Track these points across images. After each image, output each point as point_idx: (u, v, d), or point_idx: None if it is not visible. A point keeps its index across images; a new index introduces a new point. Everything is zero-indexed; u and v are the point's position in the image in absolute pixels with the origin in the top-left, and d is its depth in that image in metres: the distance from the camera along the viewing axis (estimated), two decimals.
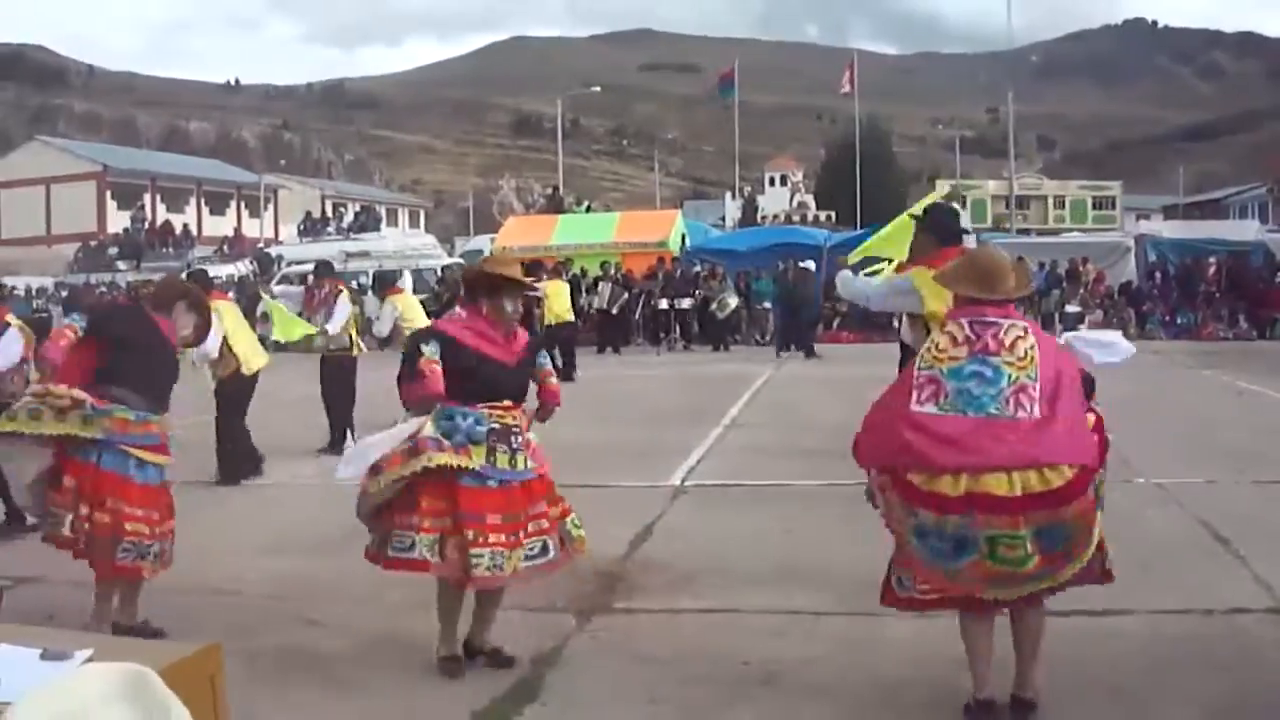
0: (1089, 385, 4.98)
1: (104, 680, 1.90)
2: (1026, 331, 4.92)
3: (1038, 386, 4.78)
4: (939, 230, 7.28)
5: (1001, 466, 4.62)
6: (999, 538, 4.62)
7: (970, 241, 8.03)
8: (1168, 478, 10.17)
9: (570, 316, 21.83)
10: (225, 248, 51.44)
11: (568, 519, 5.79)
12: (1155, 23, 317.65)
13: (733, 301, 28.55)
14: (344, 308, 13.26)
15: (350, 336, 13.42)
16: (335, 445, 12.56)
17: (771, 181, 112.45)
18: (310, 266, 16.45)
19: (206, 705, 2.54)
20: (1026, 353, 4.85)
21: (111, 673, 1.92)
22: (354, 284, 29.54)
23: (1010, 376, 4.78)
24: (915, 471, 4.70)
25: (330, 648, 6.17)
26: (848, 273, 8.13)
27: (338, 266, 29.39)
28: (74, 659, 2.46)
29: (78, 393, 6.13)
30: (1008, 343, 4.85)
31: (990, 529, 4.61)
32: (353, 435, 13.02)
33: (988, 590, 4.73)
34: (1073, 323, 26.52)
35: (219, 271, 33.67)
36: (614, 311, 28.30)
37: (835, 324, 30.31)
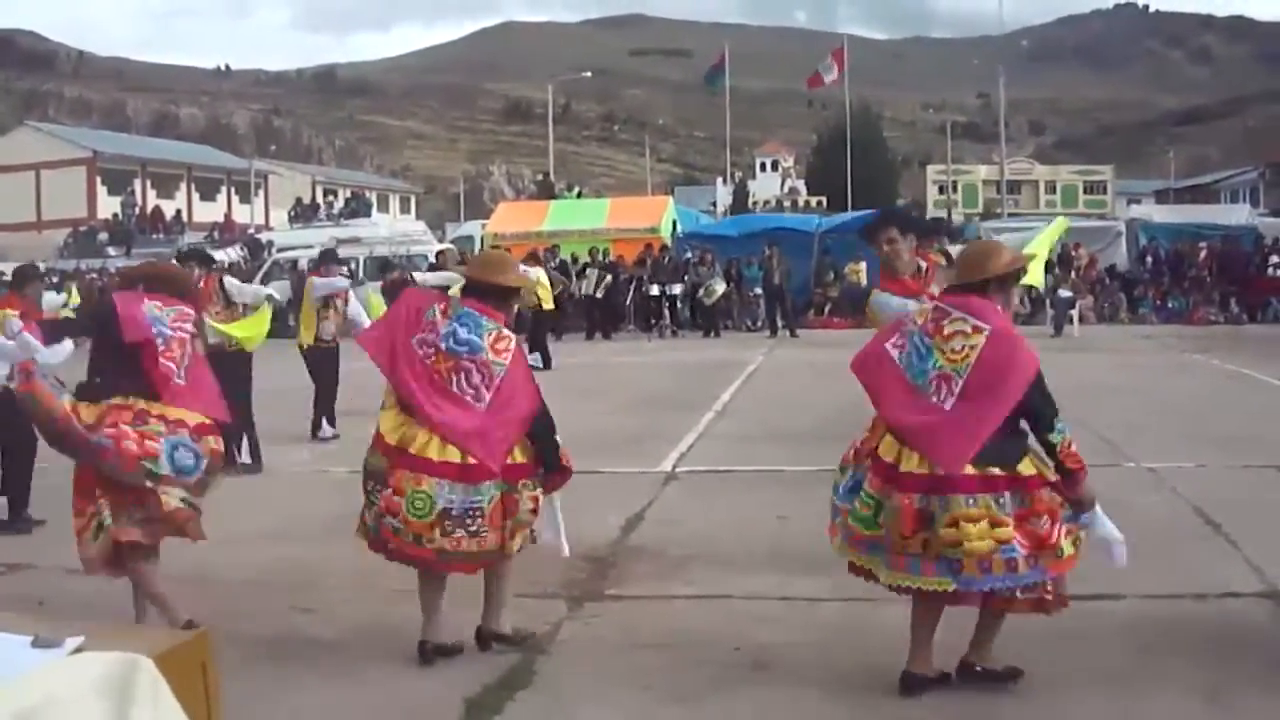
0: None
1: (86, 671, 1.89)
2: (977, 333, 5.06)
3: (961, 382, 5.03)
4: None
5: (904, 428, 5.05)
6: (868, 498, 5.10)
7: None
8: (1159, 462, 10.18)
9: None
10: (215, 234, 51.20)
11: None
12: (1146, 7, 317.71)
13: (719, 288, 28.50)
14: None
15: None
16: (314, 432, 12.96)
17: (763, 167, 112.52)
18: (300, 253, 16.35)
19: (198, 692, 2.53)
20: (964, 348, 5.07)
21: (97, 663, 1.91)
22: (344, 270, 29.46)
23: (936, 361, 5.10)
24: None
25: (321, 634, 6.17)
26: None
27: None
28: (64, 646, 2.45)
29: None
30: (946, 332, 5.12)
31: (874, 491, 5.08)
32: (330, 424, 13.10)
33: (859, 554, 5.21)
34: (1064, 307, 26.56)
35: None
36: (598, 295, 28.31)
37: (826, 310, 30.32)
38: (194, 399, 6.08)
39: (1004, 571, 4.90)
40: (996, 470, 4.89)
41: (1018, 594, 4.99)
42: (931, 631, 5.11)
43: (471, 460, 5.45)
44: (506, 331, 5.66)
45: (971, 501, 4.87)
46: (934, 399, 5.02)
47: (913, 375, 5.11)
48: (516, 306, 5.96)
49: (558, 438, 5.71)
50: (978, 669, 5.16)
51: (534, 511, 5.66)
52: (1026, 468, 4.93)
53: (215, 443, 6.10)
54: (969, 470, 4.88)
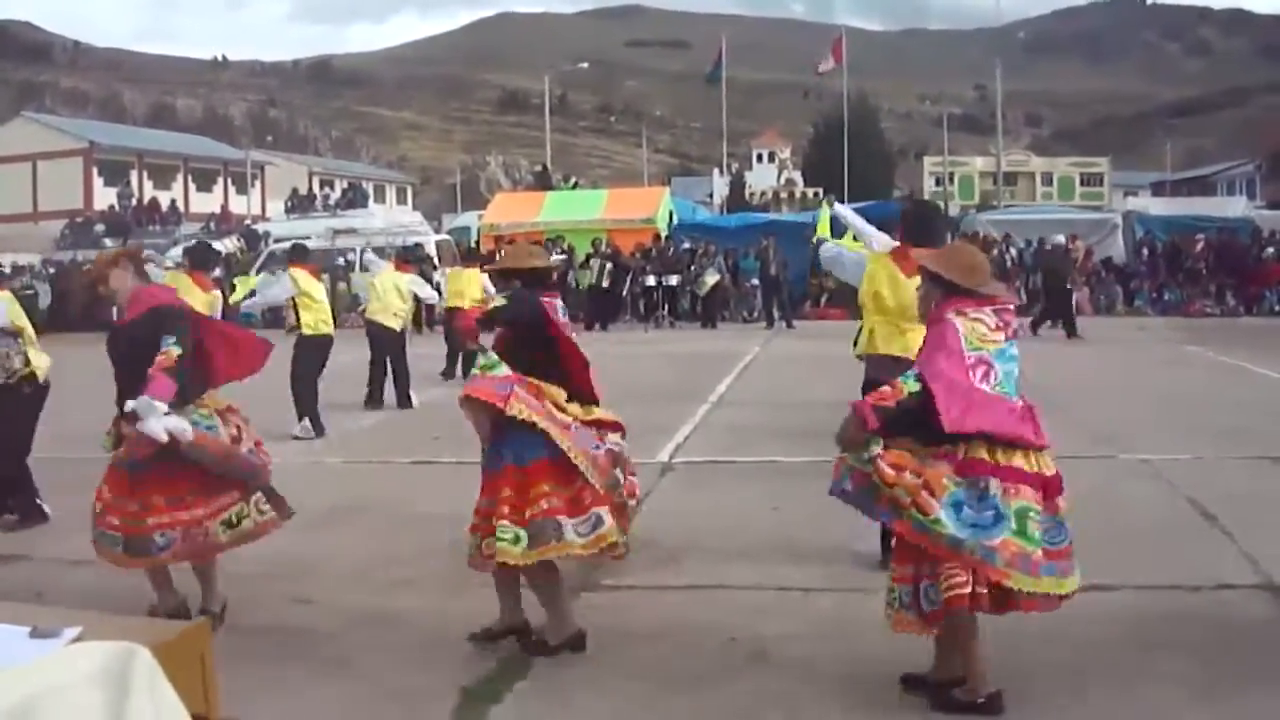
0: None
1: (83, 661, 1.90)
2: None
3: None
4: (906, 230, 7.13)
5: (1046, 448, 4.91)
6: (1028, 510, 4.73)
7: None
8: (1154, 454, 10.20)
9: (460, 303, 17.06)
10: (212, 224, 51.08)
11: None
12: None
13: (710, 279, 28.52)
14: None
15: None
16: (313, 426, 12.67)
17: (759, 158, 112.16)
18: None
19: (196, 683, 2.54)
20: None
21: (95, 653, 1.92)
22: (340, 261, 29.55)
23: (1019, 364, 5.06)
24: (1008, 445, 4.80)
25: (320, 626, 6.17)
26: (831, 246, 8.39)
27: (325, 244, 29.58)
28: (62, 637, 2.46)
29: None
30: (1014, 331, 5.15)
31: (1020, 500, 4.73)
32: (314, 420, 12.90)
33: (1012, 576, 4.67)
34: None
35: None
36: (604, 286, 28.33)
37: (823, 300, 30.31)
38: None
39: None
40: None
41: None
42: None
43: None
44: None
45: None
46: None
47: (1013, 392, 5.02)
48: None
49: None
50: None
51: None
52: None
53: None
54: None
